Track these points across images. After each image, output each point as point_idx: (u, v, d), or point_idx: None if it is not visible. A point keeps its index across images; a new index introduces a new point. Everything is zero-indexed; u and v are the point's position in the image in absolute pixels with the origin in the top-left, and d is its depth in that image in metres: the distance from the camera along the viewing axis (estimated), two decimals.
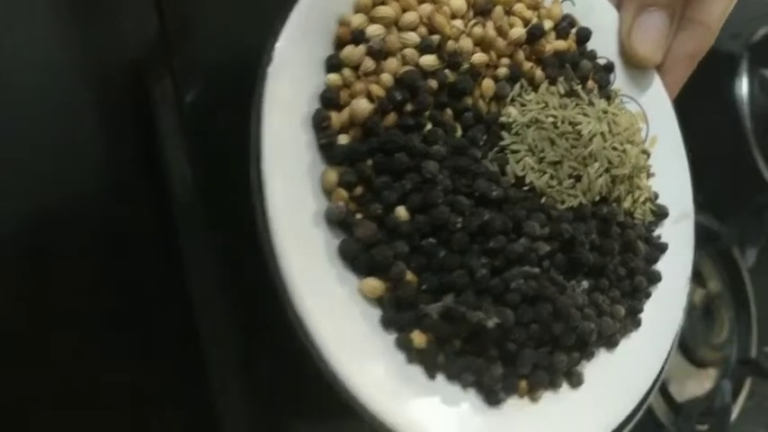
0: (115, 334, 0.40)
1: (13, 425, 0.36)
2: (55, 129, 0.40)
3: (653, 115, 0.36)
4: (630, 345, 0.34)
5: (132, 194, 0.42)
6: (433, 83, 0.31)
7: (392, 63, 0.31)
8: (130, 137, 0.42)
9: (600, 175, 0.31)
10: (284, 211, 0.29)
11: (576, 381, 0.32)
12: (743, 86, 0.67)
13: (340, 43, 0.31)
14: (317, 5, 0.32)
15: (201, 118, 0.39)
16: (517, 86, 0.32)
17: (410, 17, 0.31)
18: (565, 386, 0.32)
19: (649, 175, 0.35)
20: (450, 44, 0.31)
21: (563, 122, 0.31)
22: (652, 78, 0.37)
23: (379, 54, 0.30)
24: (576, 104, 0.32)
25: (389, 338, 0.29)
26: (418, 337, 0.29)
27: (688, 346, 0.65)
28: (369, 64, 0.31)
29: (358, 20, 0.31)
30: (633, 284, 0.34)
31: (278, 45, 0.30)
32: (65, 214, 0.39)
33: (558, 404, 0.31)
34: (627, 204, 0.33)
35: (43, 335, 0.37)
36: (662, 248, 0.35)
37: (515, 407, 0.31)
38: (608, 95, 0.35)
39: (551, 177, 0.31)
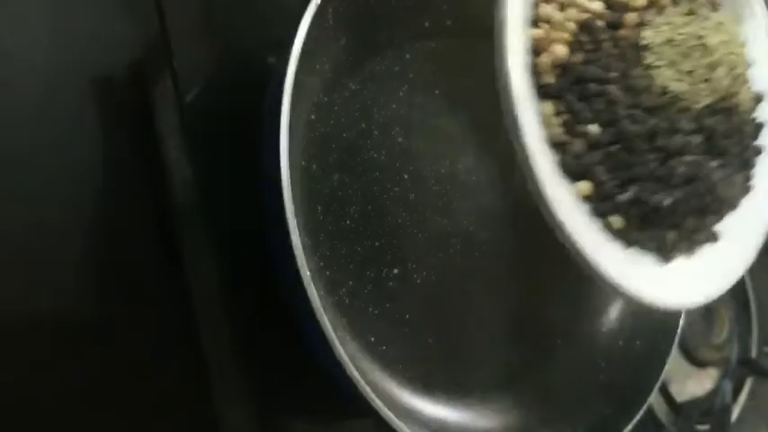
0: (115, 334, 0.40)
1: (13, 425, 0.36)
2: (55, 129, 0.40)
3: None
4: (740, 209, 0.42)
5: (132, 194, 0.42)
6: (602, 23, 0.38)
7: (572, 13, 0.38)
8: (130, 137, 0.42)
9: (725, 76, 0.38)
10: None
11: (714, 237, 0.41)
12: None
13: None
14: None
15: (201, 118, 0.39)
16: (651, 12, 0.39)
17: None
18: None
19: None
20: None
21: (691, 38, 0.38)
22: None
23: (563, 7, 0.38)
24: (696, 20, 0.39)
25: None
26: (616, 221, 0.38)
27: (688, 346, 0.65)
28: (558, 17, 0.38)
29: None
30: (745, 158, 0.41)
31: None
32: (65, 214, 0.39)
33: (705, 256, 0.42)
34: (742, 96, 0.40)
35: (43, 335, 0.38)
36: (762, 127, 0.42)
37: (681, 261, 0.40)
38: (714, 6, 0.41)
39: (689, 84, 0.38)
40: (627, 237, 0.38)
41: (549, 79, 0.37)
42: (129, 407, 0.39)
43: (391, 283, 0.42)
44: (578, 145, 0.37)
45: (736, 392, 0.68)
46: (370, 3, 0.45)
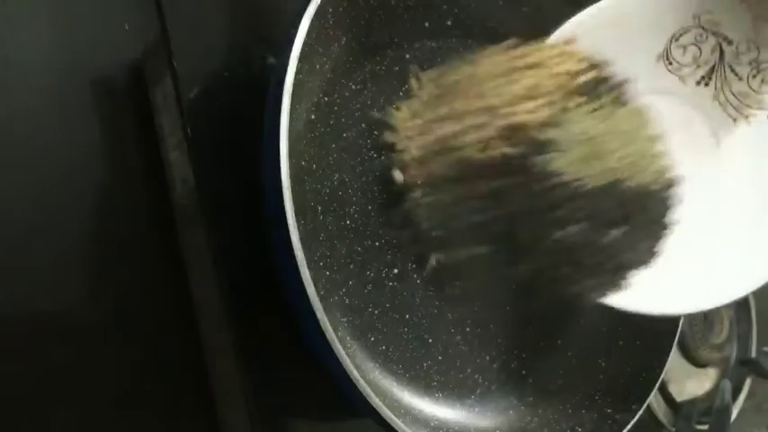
0: (115, 334, 0.40)
1: (13, 425, 0.36)
2: (55, 129, 0.40)
3: None
4: None
5: (132, 194, 0.42)
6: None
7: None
8: (130, 137, 0.42)
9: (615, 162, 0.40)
10: None
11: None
12: None
13: None
14: None
15: (201, 118, 0.39)
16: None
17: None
18: None
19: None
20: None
21: (584, 133, 0.39)
22: None
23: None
24: (597, 115, 0.41)
25: None
26: None
27: (688, 346, 0.65)
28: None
29: None
30: (653, 231, 0.43)
31: None
32: (65, 214, 0.39)
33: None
34: (642, 179, 0.41)
35: (42, 335, 0.37)
36: (668, 206, 0.43)
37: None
38: (620, 102, 0.42)
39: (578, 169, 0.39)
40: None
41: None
42: (129, 407, 0.39)
43: (391, 283, 0.42)
44: None
45: (736, 392, 0.68)
46: (370, 3, 0.45)
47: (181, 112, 0.39)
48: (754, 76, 0.45)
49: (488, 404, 0.46)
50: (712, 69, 0.46)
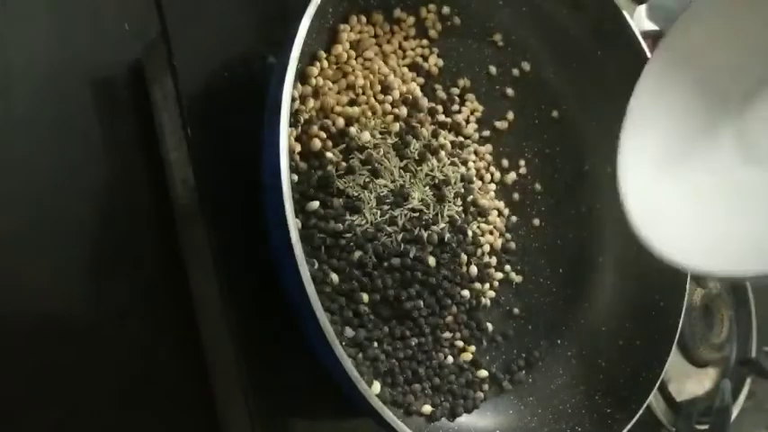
0: (115, 334, 0.40)
1: (13, 426, 0.36)
2: (55, 129, 0.40)
3: None
4: None
5: (132, 194, 0.42)
6: None
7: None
8: (130, 137, 0.42)
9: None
10: None
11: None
12: None
13: None
14: None
15: (201, 118, 0.39)
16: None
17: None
18: None
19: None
20: None
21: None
22: None
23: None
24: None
25: None
26: None
27: (688, 346, 0.65)
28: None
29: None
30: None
31: None
32: (65, 214, 0.39)
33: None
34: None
35: (42, 334, 0.37)
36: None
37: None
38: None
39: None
40: None
41: None
42: (129, 407, 0.39)
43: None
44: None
45: (736, 392, 0.68)
46: (370, 2, 0.45)
47: (181, 112, 0.39)
48: None
49: (488, 404, 0.46)
50: None
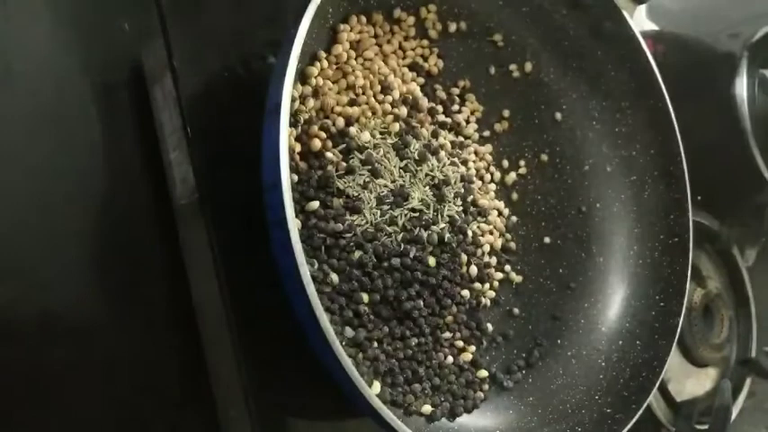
0: (114, 334, 0.40)
1: (13, 425, 0.36)
2: (55, 129, 0.40)
3: None
4: None
5: (132, 194, 0.42)
6: None
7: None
8: (130, 137, 0.42)
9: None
10: None
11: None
12: (743, 86, 0.67)
13: None
14: None
15: (201, 118, 0.39)
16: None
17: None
18: None
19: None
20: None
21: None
22: None
23: None
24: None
25: None
26: None
27: (688, 346, 0.65)
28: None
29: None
30: None
31: None
32: (65, 214, 0.39)
33: None
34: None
35: (42, 334, 0.37)
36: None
37: None
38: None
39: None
40: None
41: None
42: (129, 406, 0.39)
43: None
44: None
45: (736, 392, 0.68)
46: (370, 3, 0.45)
47: (181, 112, 0.39)
48: None
49: (488, 404, 0.46)
50: None
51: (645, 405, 0.47)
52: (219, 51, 0.41)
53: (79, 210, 0.40)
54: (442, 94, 0.49)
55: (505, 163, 0.51)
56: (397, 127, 0.45)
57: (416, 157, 0.45)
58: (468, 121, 0.50)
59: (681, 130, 0.52)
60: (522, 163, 0.52)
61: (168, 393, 0.41)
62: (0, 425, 0.36)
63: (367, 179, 0.42)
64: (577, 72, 0.53)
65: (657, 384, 0.48)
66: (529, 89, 0.53)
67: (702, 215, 0.67)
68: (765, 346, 0.73)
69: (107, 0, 0.42)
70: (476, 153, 0.50)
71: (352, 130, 0.42)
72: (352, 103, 0.44)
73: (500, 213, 0.50)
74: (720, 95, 0.68)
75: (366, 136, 0.43)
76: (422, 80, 0.48)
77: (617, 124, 0.54)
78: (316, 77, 0.42)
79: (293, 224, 0.34)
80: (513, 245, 0.50)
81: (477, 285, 0.47)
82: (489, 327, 0.47)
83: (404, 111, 0.45)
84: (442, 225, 0.44)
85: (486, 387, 0.46)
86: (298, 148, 0.41)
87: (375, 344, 0.41)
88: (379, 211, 0.42)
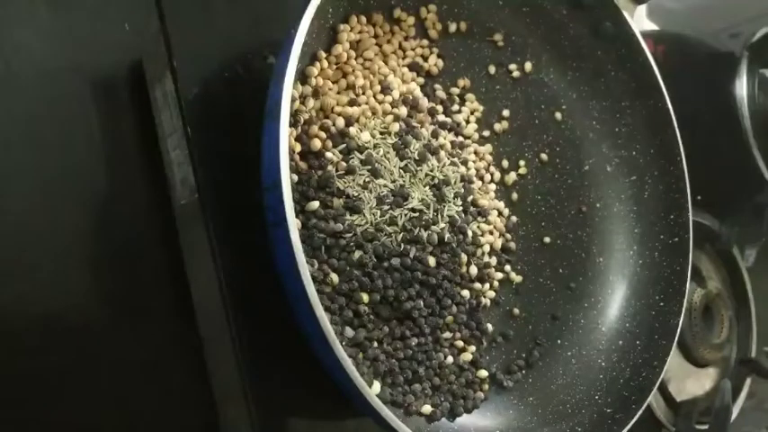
0: (114, 334, 0.40)
1: (13, 425, 0.36)
2: (55, 129, 0.40)
3: None
4: None
5: (132, 194, 0.42)
6: None
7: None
8: (130, 137, 0.42)
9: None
10: None
11: None
12: (743, 86, 0.67)
13: None
14: None
15: (201, 118, 0.39)
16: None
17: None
18: None
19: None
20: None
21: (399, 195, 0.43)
22: None
23: None
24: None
25: None
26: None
27: (688, 346, 0.65)
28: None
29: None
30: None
31: None
32: (65, 213, 0.39)
33: None
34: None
35: (42, 334, 0.37)
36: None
37: None
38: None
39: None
40: None
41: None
42: (129, 406, 0.39)
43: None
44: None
45: (736, 392, 0.68)
46: (370, 3, 0.45)
47: (181, 112, 0.39)
48: None
49: (488, 404, 0.46)
50: None
51: (645, 405, 0.47)
52: (219, 51, 0.41)
53: (79, 210, 0.40)
54: (441, 94, 0.49)
55: (505, 163, 0.51)
56: (397, 127, 0.45)
57: (416, 157, 0.44)
58: (467, 121, 0.50)
59: (681, 130, 0.52)
60: (522, 163, 0.52)
61: (168, 393, 0.41)
62: (0, 425, 0.36)
63: (367, 179, 0.42)
64: (577, 72, 0.53)
65: (657, 384, 0.48)
66: (529, 89, 0.53)
67: (702, 215, 0.67)
68: (765, 346, 0.73)
69: (107, 0, 0.42)
70: (476, 153, 0.50)
71: (352, 130, 0.42)
72: (352, 103, 0.44)
73: (500, 213, 0.50)
74: (720, 95, 0.68)
75: (366, 136, 0.43)
76: (422, 80, 0.48)
77: (617, 124, 0.54)
78: (316, 77, 0.42)
79: (293, 224, 0.34)
80: (513, 245, 0.50)
81: (477, 285, 0.47)
82: (489, 327, 0.47)
83: (404, 111, 0.45)
84: (442, 225, 0.44)
85: (486, 387, 0.46)
86: (298, 148, 0.41)
87: (375, 344, 0.41)
88: (379, 211, 0.42)
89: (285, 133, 0.35)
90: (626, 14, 0.51)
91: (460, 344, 0.45)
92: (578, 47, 0.52)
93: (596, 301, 0.52)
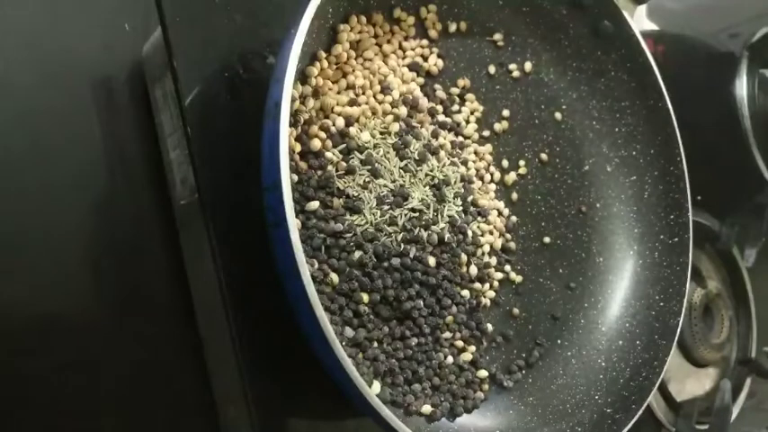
0: (114, 334, 0.40)
1: (13, 425, 0.36)
2: (55, 129, 0.40)
3: None
4: None
5: (132, 194, 0.42)
6: None
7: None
8: (130, 137, 0.42)
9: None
10: None
11: None
12: (743, 86, 0.67)
13: None
14: None
15: (201, 118, 0.39)
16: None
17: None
18: None
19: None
20: None
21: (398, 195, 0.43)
22: None
23: None
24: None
25: None
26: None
27: (688, 346, 0.65)
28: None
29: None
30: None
31: None
32: (65, 214, 0.39)
33: None
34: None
35: (42, 334, 0.38)
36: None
37: None
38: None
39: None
40: None
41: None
42: (129, 406, 0.39)
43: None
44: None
45: (736, 392, 0.68)
46: (370, 3, 0.45)
47: (181, 112, 0.39)
48: None
49: (488, 404, 0.46)
50: None
51: (645, 405, 0.47)
52: (219, 51, 0.41)
53: (79, 210, 0.40)
54: (441, 94, 0.49)
55: (505, 163, 0.51)
56: (397, 127, 0.45)
57: (416, 157, 0.45)
58: (467, 121, 0.50)
59: (681, 130, 0.52)
60: (522, 163, 0.52)
61: (168, 393, 0.41)
62: (0, 425, 0.36)
63: (367, 179, 0.42)
64: (577, 72, 0.53)
65: (657, 384, 0.48)
66: (529, 89, 0.53)
67: (702, 215, 0.67)
68: (765, 346, 0.73)
69: (107, 0, 0.42)
70: (476, 153, 0.50)
71: (352, 130, 0.42)
72: (352, 103, 0.44)
73: (500, 213, 0.50)
74: (720, 95, 0.68)
75: (366, 136, 0.43)
76: (422, 80, 0.48)
77: (617, 124, 0.54)
78: (316, 77, 0.42)
79: (293, 224, 0.34)
80: (513, 245, 0.50)
81: (477, 285, 0.47)
82: (489, 327, 0.47)
83: (404, 111, 0.45)
84: (442, 225, 0.44)
85: (486, 387, 0.46)
86: (298, 148, 0.41)
87: (375, 344, 0.41)
88: (379, 211, 0.42)
89: (285, 133, 0.35)
90: (626, 14, 0.51)
91: (460, 344, 0.45)
92: (578, 47, 0.52)
93: (596, 301, 0.52)
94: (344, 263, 0.40)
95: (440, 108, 0.49)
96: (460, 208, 0.46)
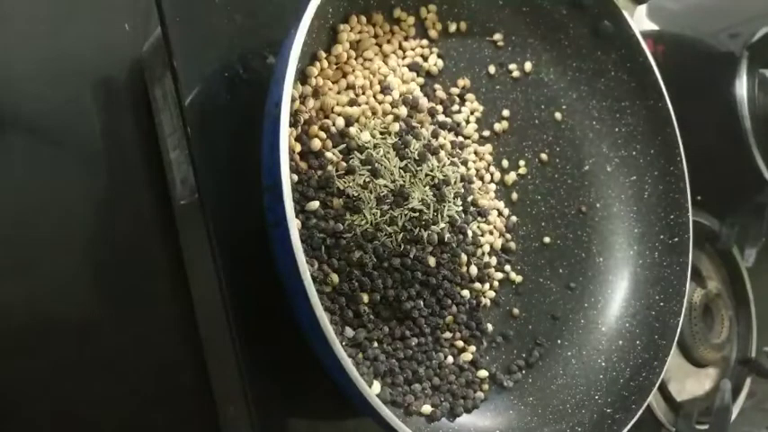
0: (115, 334, 0.40)
1: (13, 425, 0.36)
2: (55, 129, 0.40)
3: None
4: None
5: (132, 194, 0.42)
6: None
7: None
8: (130, 137, 0.42)
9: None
10: None
11: None
12: (743, 86, 0.67)
13: None
14: None
15: (201, 118, 0.39)
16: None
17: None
18: None
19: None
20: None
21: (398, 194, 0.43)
22: None
23: None
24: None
25: None
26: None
27: (688, 346, 0.65)
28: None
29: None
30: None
31: None
32: (65, 214, 0.39)
33: None
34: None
35: (42, 334, 0.38)
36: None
37: None
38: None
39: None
40: None
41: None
42: (129, 406, 0.39)
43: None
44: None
45: (736, 392, 0.68)
46: (370, 3, 0.45)
47: (181, 112, 0.39)
48: None
49: (488, 404, 0.46)
50: None
51: (645, 405, 0.47)
52: (219, 51, 0.41)
53: (79, 210, 0.40)
54: (441, 94, 0.49)
55: (505, 163, 0.51)
56: (397, 127, 0.45)
57: (416, 157, 0.45)
58: (467, 121, 0.50)
59: (681, 130, 0.52)
60: (522, 163, 0.52)
61: (168, 393, 0.41)
62: (0, 425, 0.36)
63: (367, 179, 0.42)
64: (577, 72, 0.53)
65: (657, 384, 0.48)
66: (529, 89, 0.53)
67: (702, 215, 0.67)
68: (765, 346, 0.73)
69: (107, 0, 0.42)
70: (476, 153, 0.50)
71: (352, 130, 0.42)
72: (352, 103, 0.44)
73: (500, 213, 0.50)
74: (720, 95, 0.68)
75: (366, 136, 0.43)
76: (422, 80, 0.48)
77: (617, 124, 0.54)
78: (316, 77, 0.42)
79: (293, 224, 0.34)
80: (513, 245, 0.50)
81: (477, 285, 0.47)
82: (489, 327, 0.47)
83: (404, 111, 0.45)
84: (442, 225, 0.44)
85: (486, 387, 0.46)
86: (298, 148, 0.41)
87: (375, 344, 0.41)
88: (379, 211, 0.42)
89: (285, 133, 0.35)
90: (626, 14, 0.51)
91: (460, 344, 0.45)
92: (578, 47, 0.52)
93: (596, 301, 0.52)
94: (344, 263, 0.40)
95: (440, 108, 0.49)
96: (460, 208, 0.46)
